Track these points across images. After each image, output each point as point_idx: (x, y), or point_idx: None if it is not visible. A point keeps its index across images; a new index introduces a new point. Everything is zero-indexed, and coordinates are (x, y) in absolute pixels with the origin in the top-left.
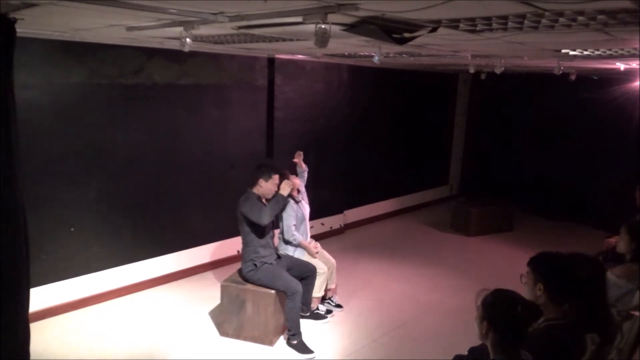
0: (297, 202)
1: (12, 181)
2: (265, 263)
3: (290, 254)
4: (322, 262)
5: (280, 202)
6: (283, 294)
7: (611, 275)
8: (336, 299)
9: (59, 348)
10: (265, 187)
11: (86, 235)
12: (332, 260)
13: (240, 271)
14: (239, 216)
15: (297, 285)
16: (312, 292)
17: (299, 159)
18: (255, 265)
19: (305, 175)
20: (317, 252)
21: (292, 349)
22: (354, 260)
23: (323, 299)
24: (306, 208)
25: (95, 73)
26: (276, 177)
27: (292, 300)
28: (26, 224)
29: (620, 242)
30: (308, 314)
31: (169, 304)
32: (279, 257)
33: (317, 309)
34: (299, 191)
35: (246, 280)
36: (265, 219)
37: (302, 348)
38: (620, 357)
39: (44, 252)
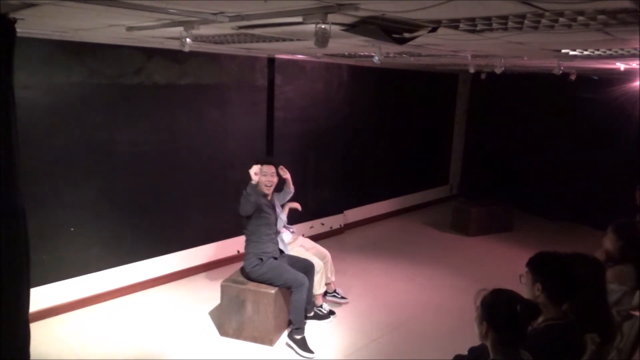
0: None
1: (12, 181)
2: (271, 257)
3: (282, 247)
4: (317, 257)
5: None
6: (285, 292)
7: None
8: (340, 292)
9: (59, 348)
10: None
11: (86, 235)
12: (326, 251)
13: (242, 269)
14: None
15: (303, 279)
16: (313, 289)
17: (285, 174)
18: (260, 259)
19: (289, 197)
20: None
21: (293, 343)
22: (354, 260)
23: (326, 294)
24: (282, 220)
25: (95, 73)
26: (256, 167)
27: (298, 292)
28: (26, 224)
29: (607, 241)
30: (312, 313)
31: (169, 304)
32: (282, 252)
33: (321, 306)
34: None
35: (248, 276)
36: (242, 211)
37: (303, 345)
38: (620, 357)
39: (44, 252)
